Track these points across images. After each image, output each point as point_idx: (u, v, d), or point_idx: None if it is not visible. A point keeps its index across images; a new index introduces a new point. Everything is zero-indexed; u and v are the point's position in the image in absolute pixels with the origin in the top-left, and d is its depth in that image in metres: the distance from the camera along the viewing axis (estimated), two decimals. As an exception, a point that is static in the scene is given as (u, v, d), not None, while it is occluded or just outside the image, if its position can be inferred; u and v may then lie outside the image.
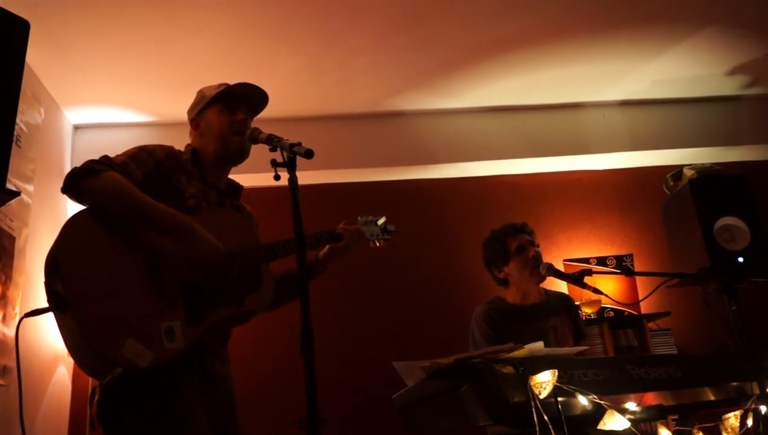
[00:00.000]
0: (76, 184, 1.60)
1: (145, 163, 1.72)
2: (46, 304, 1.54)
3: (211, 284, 1.67)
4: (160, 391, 1.56)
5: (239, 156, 1.88)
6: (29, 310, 1.59)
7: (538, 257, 2.61)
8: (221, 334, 1.78)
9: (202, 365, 1.67)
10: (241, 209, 1.97)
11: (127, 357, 1.47)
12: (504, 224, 2.74)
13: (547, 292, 2.72)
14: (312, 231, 1.92)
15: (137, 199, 1.60)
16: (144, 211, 1.61)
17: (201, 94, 1.95)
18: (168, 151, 1.81)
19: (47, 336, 3.34)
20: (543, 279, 2.61)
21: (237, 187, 1.98)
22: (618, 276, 3.88)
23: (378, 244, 2.17)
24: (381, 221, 2.19)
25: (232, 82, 1.92)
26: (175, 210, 1.65)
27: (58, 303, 1.49)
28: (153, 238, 1.63)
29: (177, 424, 1.56)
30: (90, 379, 3.41)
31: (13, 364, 2.99)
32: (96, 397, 1.61)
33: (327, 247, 2.00)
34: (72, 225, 1.57)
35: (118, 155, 1.72)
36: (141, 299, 1.56)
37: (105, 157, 1.67)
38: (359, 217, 2.16)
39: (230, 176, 1.97)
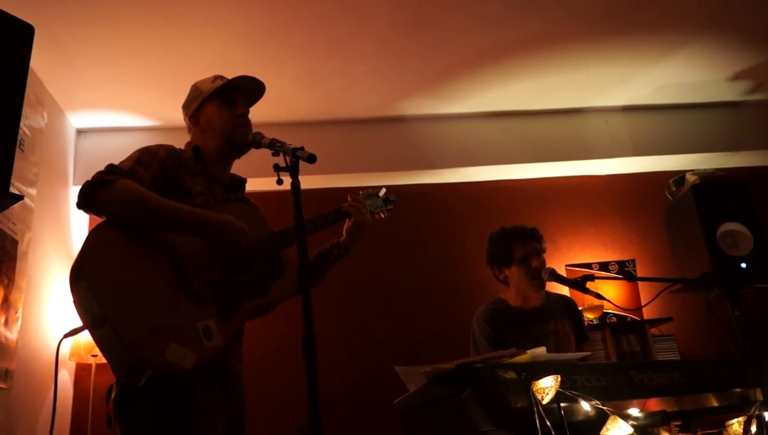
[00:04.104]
0: (90, 197, 1.60)
1: (151, 166, 1.73)
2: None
3: (236, 278, 1.69)
4: (176, 389, 1.57)
5: (242, 148, 1.89)
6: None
7: (541, 268, 2.57)
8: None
9: (216, 362, 1.66)
10: (246, 202, 1.98)
11: (172, 361, 1.49)
12: (515, 226, 2.70)
13: (549, 295, 2.71)
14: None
15: (154, 203, 1.62)
16: (163, 213, 1.62)
17: (197, 89, 1.94)
18: (170, 150, 1.82)
19: (49, 340, 3.34)
20: (543, 288, 2.60)
21: (240, 181, 2.00)
22: (620, 281, 3.87)
23: (382, 216, 2.22)
24: (382, 193, 2.24)
25: (233, 84, 1.93)
26: (190, 206, 1.67)
27: (92, 319, 1.50)
28: (173, 239, 1.65)
29: (192, 422, 1.56)
30: (92, 383, 3.42)
31: (14, 367, 2.99)
32: (113, 394, 1.61)
33: (344, 232, 2.03)
34: (93, 239, 1.57)
35: (122, 161, 1.72)
36: (172, 302, 1.58)
37: (111, 166, 1.67)
38: (361, 192, 2.20)
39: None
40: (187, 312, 1.58)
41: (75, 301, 1.53)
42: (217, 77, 1.92)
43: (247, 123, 1.89)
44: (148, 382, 1.53)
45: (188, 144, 1.92)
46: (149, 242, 1.62)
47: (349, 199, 2.06)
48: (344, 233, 2.02)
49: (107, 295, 1.50)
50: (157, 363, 1.48)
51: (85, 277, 1.50)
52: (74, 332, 1.62)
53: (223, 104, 1.88)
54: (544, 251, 2.66)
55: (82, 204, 1.62)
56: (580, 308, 2.93)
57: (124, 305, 1.50)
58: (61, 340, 1.63)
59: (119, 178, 1.62)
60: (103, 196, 1.59)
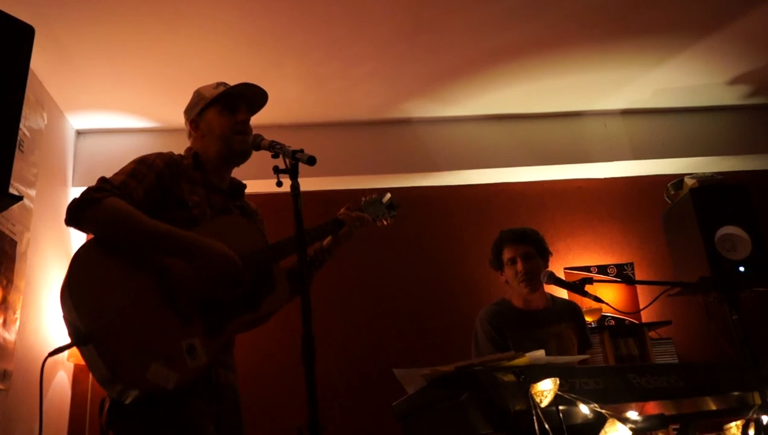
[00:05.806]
0: (78, 216, 1.58)
1: (146, 178, 1.69)
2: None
3: (226, 294, 1.66)
4: (168, 401, 1.54)
5: (242, 156, 1.87)
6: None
7: (530, 271, 2.56)
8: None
9: (207, 374, 1.65)
10: (245, 208, 1.96)
11: (153, 381, 1.47)
12: (509, 229, 2.71)
13: (554, 299, 2.72)
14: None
15: (140, 225, 1.59)
16: (149, 236, 1.60)
17: (199, 94, 1.93)
18: (168, 159, 1.78)
19: (46, 341, 3.34)
20: (534, 291, 2.60)
21: (240, 186, 1.98)
22: (619, 285, 3.88)
23: (385, 223, 2.13)
24: (386, 199, 2.14)
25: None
26: (179, 229, 1.63)
27: (78, 337, 1.49)
28: (161, 259, 1.62)
29: (184, 434, 1.55)
30: (89, 385, 3.42)
31: (12, 368, 2.98)
32: (105, 407, 1.59)
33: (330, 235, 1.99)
34: (80, 257, 1.55)
35: (116, 173, 1.69)
36: (158, 321, 1.55)
37: (102, 181, 1.64)
38: (363, 199, 2.12)
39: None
40: (172, 331, 1.55)
41: (63, 318, 1.53)
42: (220, 84, 1.91)
43: (247, 130, 1.86)
44: (137, 398, 1.51)
45: (188, 150, 1.90)
46: (138, 259, 1.60)
47: (342, 210, 2.01)
48: (330, 238, 1.99)
49: (91, 314, 1.48)
50: (137, 383, 1.46)
51: (71, 295, 1.49)
52: (60, 350, 1.60)
53: (224, 110, 1.86)
54: (545, 253, 2.66)
55: (69, 221, 1.60)
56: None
57: (107, 325, 1.48)
58: (45, 359, 1.62)
59: (107, 197, 1.59)
60: (90, 216, 1.57)
